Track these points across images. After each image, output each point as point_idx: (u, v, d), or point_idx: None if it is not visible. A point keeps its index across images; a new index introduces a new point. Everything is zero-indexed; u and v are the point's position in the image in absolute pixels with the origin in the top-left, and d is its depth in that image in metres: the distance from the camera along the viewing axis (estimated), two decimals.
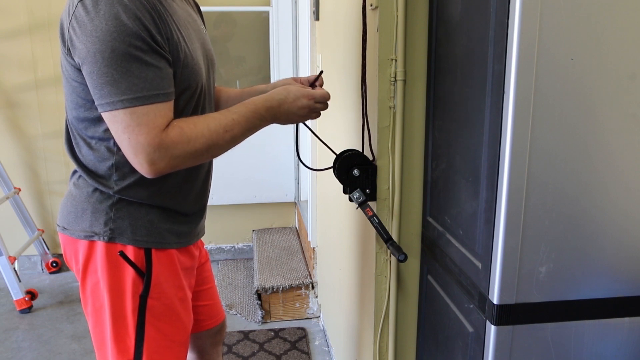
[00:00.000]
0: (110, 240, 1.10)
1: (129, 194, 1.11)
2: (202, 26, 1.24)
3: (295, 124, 1.29)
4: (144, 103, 0.96)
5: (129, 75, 0.94)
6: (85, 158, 1.11)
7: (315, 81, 1.28)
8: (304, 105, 1.15)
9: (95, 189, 1.11)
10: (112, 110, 0.96)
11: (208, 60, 1.19)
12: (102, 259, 1.11)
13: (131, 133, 0.97)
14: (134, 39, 0.95)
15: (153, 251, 1.13)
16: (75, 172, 1.17)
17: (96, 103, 0.98)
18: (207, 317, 1.43)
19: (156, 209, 1.14)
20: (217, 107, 1.36)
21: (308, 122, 1.25)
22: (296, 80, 1.30)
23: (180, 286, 1.19)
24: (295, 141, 1.32)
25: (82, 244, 1.12)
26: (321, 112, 1.19)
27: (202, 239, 1.35)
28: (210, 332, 1.46)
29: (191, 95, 1.10)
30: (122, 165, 1.09)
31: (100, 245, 1.11)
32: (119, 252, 1.10)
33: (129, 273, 1.11)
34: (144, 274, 1.12)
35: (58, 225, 1.18)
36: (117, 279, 1.11)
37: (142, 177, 1.09)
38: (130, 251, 1.11)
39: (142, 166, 0.99)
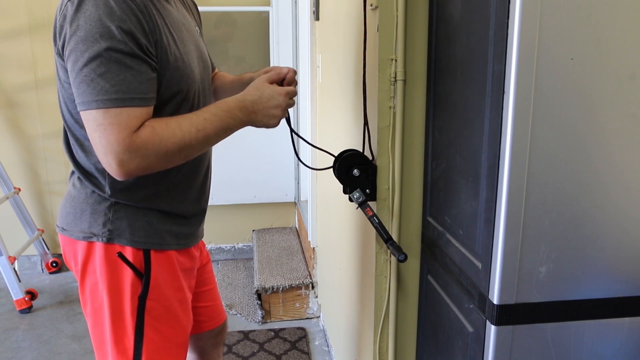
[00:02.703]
0: (109, 241, 1.10)
1: (124, 197, 1.11)
2: (197, 27, 1.23)
3: (288, 125, 1.27)
4: (118, 105, 0.95)
5: (106, 77, 0.94)
6: (81, 159, 1.11)
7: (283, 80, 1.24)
8: (277, 105, 1.12)
9: (93, 191, 1.11)
10: (87, 109, 0.96)
11: (202, 63, 1.19)
12: (100, 260, 1.10)
13: (102, 132, 0.95)
14: (115, 42, 0.94)
15: (152, 252, 1.13)
16: (73, 172, 1.17)
17: (75, 102, 0.98)
18: (208, 319, 1.43)
19: (155, 211, 1.14)
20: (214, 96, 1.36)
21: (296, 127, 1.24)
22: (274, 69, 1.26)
23: (179, 287, 1.19)
24: (292, 140, 1.31)
25: (81, 245, 1.12)
26: (288, 108, 1.17)
27: (202, 239, 1.35)
28: (211, 333, 1.45)
29: (183, 99, 1.10)
30: None
31: (99, 246, 1.10)
32: (118, 253, 1.10)
33: (128, 274, 1.11)
34: (143, 275, 1.12)
35: (57, 226, 1.18)
36: (116, 280, 1.11)
37: (135, 180, 1.09)
38: (128, 252, 1.11)
39: (111, 166, 0.97)
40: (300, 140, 1.39)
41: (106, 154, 0.96)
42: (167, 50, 1.03)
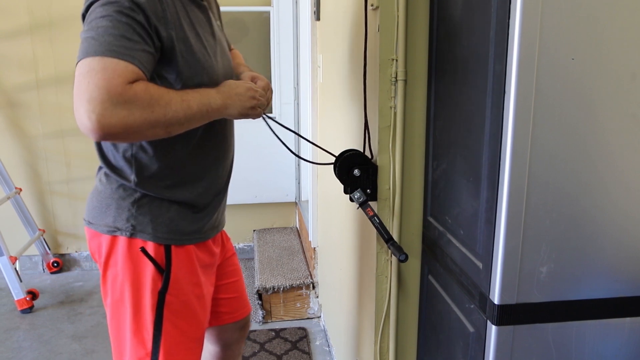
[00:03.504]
0: (132, 235, 1.13)
1: (149, 185, 1.13)
2: (218, 22, 1.27)
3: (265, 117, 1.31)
4: (117, 57, 0.92)
5: (112, 33, 0.93)
6: (109, 152, 1.14)
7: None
8: (248, 87, 1.15)
9: (119, 186, 1.14)
10: (83, 58, 0.92)
11: (225, 57, 1.22)
12: (123, 254, 1.14)
13: (92, 77, 0.89)
14: (127, 10, 0.95)
15: (172, 248, 1.16)
16: (100, 168, 1.19)
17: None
18: (232, 310, 1.46)
19: (176, 206, 1.16)
20: None
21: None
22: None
23: (197, 283, 1.22)
24: (279, 138, 1.34)
25: (105, 239, 1.15)
26: (261, 106, 1.19)
27: (225, 232, 1.39)
28: (236, 325, 1.48)
29: None
30: (140, 157, 1.11)
31: (122, 241, 1.14)
32: (140, 248, 1.13)
33: (149, 269, 1.14)
34: (163, 270, 1.15)
35: (84, 220, 1.21)
36: (137, 274, 1.14)
37: (159, 168, 1.12)
38: (150, 247, 1.14)
39: (89, 118, 0.88)
40: (302, 138, 1.40)
41: (90, 100, 0.88)
42: (189, 44, 1.06)
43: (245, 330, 1.53)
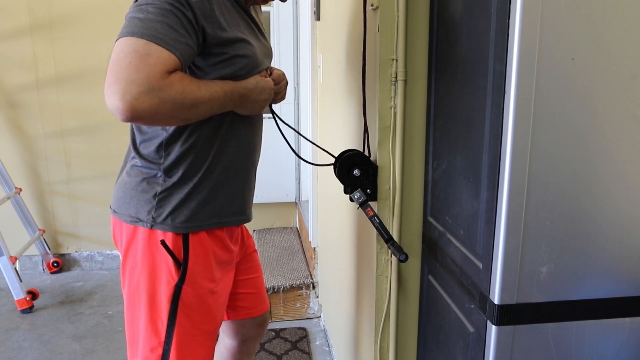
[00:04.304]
0: (152, 227, 1.16)
1: (176, 168, 1.15)
2: (261, 24, 1.31)
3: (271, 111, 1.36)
4: (161, 45, 0.94)
5: (160, 21, 0.96)
6: (138, 137, 1.16)
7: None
8: (268, 98, 1.21)
9: (143, 179, 1.17)
10: (127, 36, 0.94)
11: (267, 57, 1.26)
12: (142, 245, 1.17)
13: (134, 59, 0.91)
14: (178, 4, 0.98)
15: (190, 238, 1.18)
16: (132, 158, 1.21)
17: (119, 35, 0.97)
18: (251, 305, 1.49)
19: (197, 193, 1.18)
20: None
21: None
22: None
23: (212, 279, 1.23)
24: (278, 128, 1.36)
25: (127, 228, 1.19)
26: (279, 91, 1.28)
27: (247, 228, 1.43)
28: (254, 321, 1.51)
29: None
30: (171, 143, 1.14)
31: (142, 231, 1.17)
32: (161, 241, 1.16)
33: (167, 261, 1.16)
34: (181, 264, 1.17)
35: (110, 208, 1.25)
36: (155, 266, 1.17)
37: (187, 149, 1.14)
38: (169, 239, 1.16)
39: (122, 97, 0.90)
40: (301, 138, 1.41)
41: (128, 82, 0.90)
42: (235, 44, 1.10)
43: (262, 328, 1.56)
